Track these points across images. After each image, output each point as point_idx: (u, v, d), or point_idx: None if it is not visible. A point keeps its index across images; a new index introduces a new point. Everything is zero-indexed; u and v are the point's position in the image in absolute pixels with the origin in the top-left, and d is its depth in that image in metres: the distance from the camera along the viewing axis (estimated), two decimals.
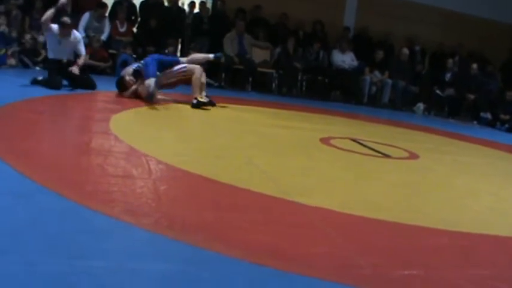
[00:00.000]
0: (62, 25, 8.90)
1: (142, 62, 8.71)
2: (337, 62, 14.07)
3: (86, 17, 12.62)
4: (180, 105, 8.60)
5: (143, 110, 7.71)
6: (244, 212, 3.70)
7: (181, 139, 6.38)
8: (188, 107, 8.54)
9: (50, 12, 8.72)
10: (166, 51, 12.71)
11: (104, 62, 12.02)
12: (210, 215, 3.51)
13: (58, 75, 8.70)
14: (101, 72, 11.38)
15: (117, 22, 13.02)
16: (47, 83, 8.36)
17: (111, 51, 12.58)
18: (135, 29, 13.76)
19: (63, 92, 8.21)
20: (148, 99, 7.93)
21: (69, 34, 8.99)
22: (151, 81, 8.07)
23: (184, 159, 4.97)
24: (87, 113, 7.14)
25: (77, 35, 9.32)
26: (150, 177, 4.20)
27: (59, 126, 6.11)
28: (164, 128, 7.09)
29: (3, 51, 10.78)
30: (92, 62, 11.81)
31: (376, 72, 14.14)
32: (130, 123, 6.79)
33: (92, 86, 8.92)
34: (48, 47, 9.14)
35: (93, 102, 8.00)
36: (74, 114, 7.04)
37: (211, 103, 8.75)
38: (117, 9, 13.35)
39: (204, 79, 9.08)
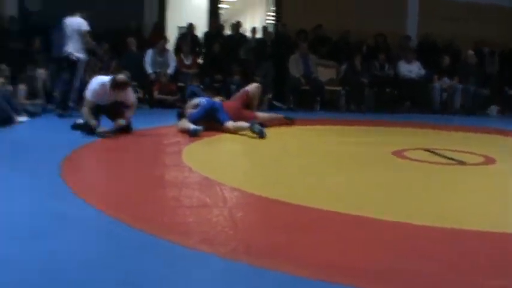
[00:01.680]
0: (120, 87, 7.89)
1: (203, 101, 8.76)
2: (403, 72, 13.92)
3: (149, 53, 12.89)
4: (248, 133, 8.65)
5: (213, 139, 7.82)
6: (318, 232, 3.69)
7: (253, 164, 6.45)
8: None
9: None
10: (233, 78, 12.89)
11: (172, 95, 12.25)
12: (286, 238, 3.51)
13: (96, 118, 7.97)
14: (170, 105, 11.58)
15: (182, 55, 13.26)
16: (86, 129, 7.85)
17: (179, 84, 12.81)
18: (200, 60, 13.99)
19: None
20: (191, 135, 7.90)
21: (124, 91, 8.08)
22: (188, 124, 8.09)
23: (258, 184, 5.02)
24: (159, 147, 7.27)
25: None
26: (225, 205, 4.25)
27: (133, 161, 6.23)
28: (236, 155, 7.18)
29: None
30: (160, 96, 12.08)
31: (445, 79, 13.91)
32: (202, 154, 6.87)
33: (127, 128, 8.14)
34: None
35: (164, 135, 8.13)
36: (146, 149, 7.17)
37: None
38: (181, 43, 13.62)
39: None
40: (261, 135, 7.86)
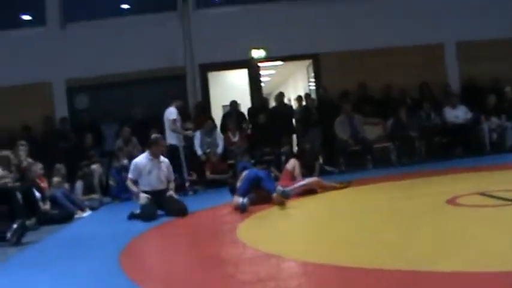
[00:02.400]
0: (153, 143, 8.94)
1: (246, 172, 8.92)
2: (450, 118, 13.88)
3: (197, 135, 13.18)
4: (301, 200, 8.72)
5: (265, 213, 7.86)
6: None
7: (306, 232, 6.49)
8: (310, 199, 8.72)
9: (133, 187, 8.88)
10: (282, 150, 13.01)
11: (224, 173, 12.42)
12: None
13: (152, 205, 8.55)
14: (223, 183, 11.74)
15: (229, 133, 13.49)
16: (142, 216, 8.37)
17: (229, 161, 13.00)
18: (248, 131, 14.19)
19: (162, 220, 8.35)
20: (241, 211, 7.96)
21: (161, 152, 9.09)
22: (238, 199, 8.18)
23: (313, 252, 5.05)
24: (214, 227, 7.40)
25: (164, 158, 9.18)
26: (280, 277, 4.30)
27: (190, 245, 6.37)
28: (289, 226, 7.20)
29: None
30: (213, 176, 12.27)
31: (493, 119, 13.79)
32: (256, 228, 6.95)
33: (183, 212, 8.45)
34: (140, 182, 8.87)
35: (219, 215, 8.28)
36: (202, 231, 7.30)
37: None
38: (227, 121, 13.87)
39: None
40: (284, 195, 8.02)
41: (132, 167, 8.94)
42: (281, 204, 8.09)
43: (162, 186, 8.87)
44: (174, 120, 11.55)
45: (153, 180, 8.81)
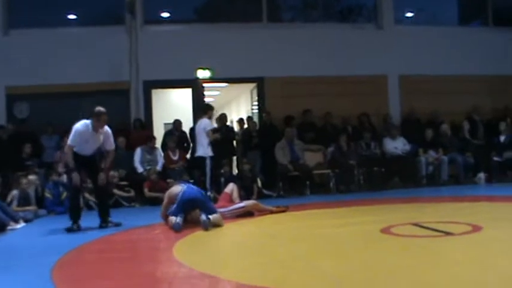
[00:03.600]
0: (95, 115, 8.60)
1: (180, 194, 8.64)
2: (389, 149, 14.15)
3: (138, 152, 13.16)
4: (238, 222, 8.75)
5: (202, 233, 7.80)
6: None
7: (244, 254, 6.51)
8: (247, 222, 8.80)
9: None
10: (222, 171, 12.98)
11: (163, 192, 12.32)
12: None
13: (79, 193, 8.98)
14: (161, 202, 11.65)
15: (169, 152, 13.43)
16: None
17: (168, 180, 12.92)
18: (188, 156, 14.15)
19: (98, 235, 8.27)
20: (175, 230, 7.92)
21: (102, 126, 8.72)
22: (172, 218, 8.19)
23: (249, 274, 5.08)
24: (150, 244, 7.37)
25: (107, 128, 8.91)
26: None
27: (125, 261, 6.27)
28: (226, 247, 7.24)
29: (66, 194, 11.22)
30: (151, 194, 12.20)
31: (431, 152, 14.09)
32: (192, 248, 6.93)
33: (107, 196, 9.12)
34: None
35: (155, 233, 8.24)
36: (138, 248, 7.27)
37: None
38: (167, 140, 13.81)
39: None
40: (205, 227, 7.91)
41: (73, 132, 8.63)
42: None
43: (93, 153, 8.98)
44: (215, 130, 11.95)
45: (87, 148, 8.76)
